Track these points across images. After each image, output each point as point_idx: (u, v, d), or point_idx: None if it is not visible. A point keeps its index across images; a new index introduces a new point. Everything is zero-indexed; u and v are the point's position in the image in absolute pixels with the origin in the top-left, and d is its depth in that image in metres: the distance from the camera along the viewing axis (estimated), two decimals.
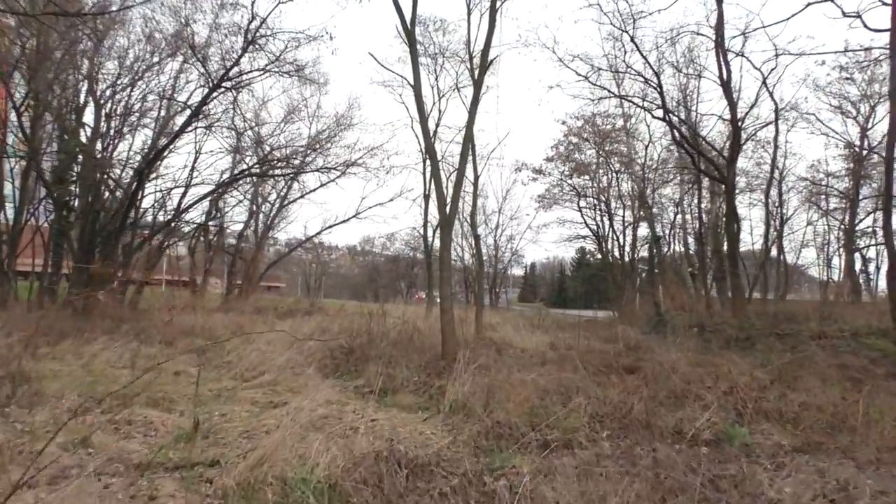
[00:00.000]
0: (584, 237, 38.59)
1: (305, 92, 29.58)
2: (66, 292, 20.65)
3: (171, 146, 22.84)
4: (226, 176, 27.86)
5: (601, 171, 32.18)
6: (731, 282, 21.62)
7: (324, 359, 11.92)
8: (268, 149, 19.59)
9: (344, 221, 33.88)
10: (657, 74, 19.53)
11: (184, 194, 21.84)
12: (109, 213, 21.29)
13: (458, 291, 56.75)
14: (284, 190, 32.36)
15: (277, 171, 21.63)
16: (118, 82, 22.13)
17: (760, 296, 30.01)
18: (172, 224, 26.78)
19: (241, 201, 30.08)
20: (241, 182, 27.59)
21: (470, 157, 17.19)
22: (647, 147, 28.49)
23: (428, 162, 30.59)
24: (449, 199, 12.63)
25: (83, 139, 23.02)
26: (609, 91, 21.53)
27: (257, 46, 17.29)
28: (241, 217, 32.79)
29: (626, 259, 34.23)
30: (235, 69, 16.54)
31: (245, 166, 21.78)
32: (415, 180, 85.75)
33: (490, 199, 51.53)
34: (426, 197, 29.38)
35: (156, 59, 21.04)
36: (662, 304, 24.28)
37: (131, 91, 22.02)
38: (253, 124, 23.86)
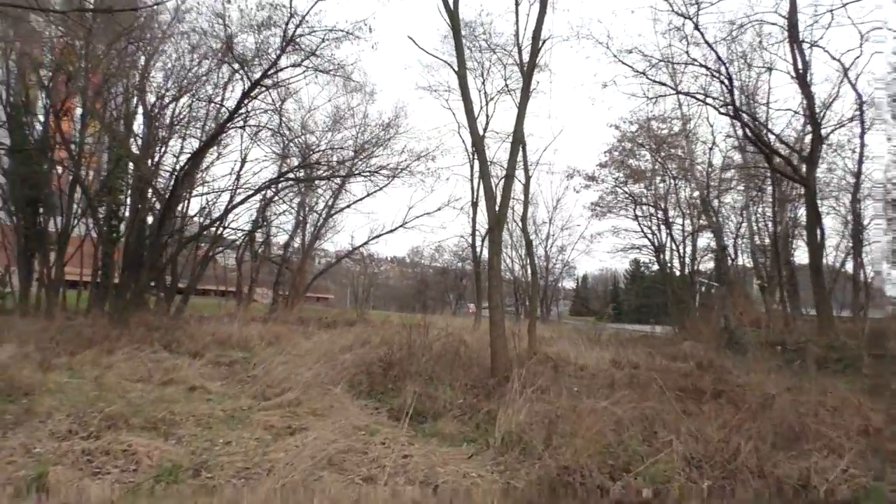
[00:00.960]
0: (640, 248, 36.49)
1: (352, 101, 28.68)
2: (113, 301, 19.91)
3: (211, 150, 22.08)
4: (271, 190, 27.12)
5: (658, 177, 30.22)
6: (816, 296, 19.38)
7: (358, 374, 10.53)
8: (312, 152, 18.44)
9: (391, 231, 32.68)
10: (725, 65, 17.65)
11: (229, 202, 20.97)
12: (154, 223, 20.51)
13: (508, 304, 55.17)
14: (331, 199, 31.43)
15: (322, 175, 20.49)
16: (166, 92, 21.53)
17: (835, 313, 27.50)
18: (217, 231, 26.05)
19: (285, 210, 29.18)
20: (285, 189, 26.72)
21: (520, 158, 15.66)
22: (710, 149, 26.48)
23: (476, 164, 29.18)
24: (499, 198, 11.14)
25: (134, 150, 22.51)
26: (669, 86, 19.71)
27: (296, 46, 16.20)
28: (288, 227, 31.85)
29: (686, 271, 31.97)
30: (273, 68, 15.46)
31: (291, 174, 20.63)
32: (462, 189, 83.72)
33: (540, 207, 49.48)
34: (474, 205, 27.93)
35: (202, 68, 20.39)
36: (732, 320, 22.19)
37: (178, 100, 21.39)
38: (298, 134, 22.85)
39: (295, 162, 19.27)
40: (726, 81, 18.12)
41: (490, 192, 11.19)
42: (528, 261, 15.66)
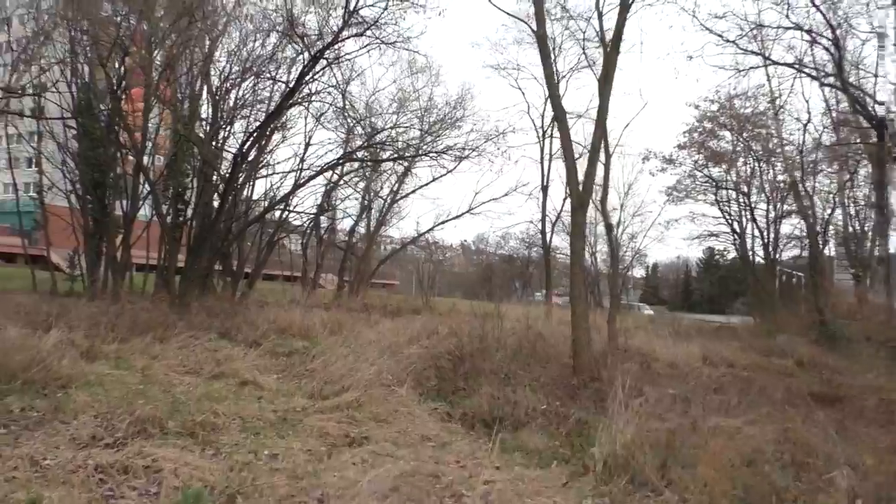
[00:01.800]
0: (717, 235, 34.05)
1: (417, 82, 27.57)
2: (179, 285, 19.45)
3: (275, 134, 21.36)
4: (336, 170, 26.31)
5: (741, 159, 27.92)
6: None
7: (425, 370, 9.39)
8: (377, 133, 17.38)
9: (457, 217, 31.59)
10: (833, 28, 15.51)
11: (294, 185, 20.12)
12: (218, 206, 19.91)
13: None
14: (396, 184, 30.50)
15: (388, 157, 19.46)
16: (230, 75, 20.88)
17: None
18: (282, 215, 25.45)
19: (351, 195, 28.37)
20: (350, 173, 25.87)
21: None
22: (804, 126, 24.07)
23: (546, 145, 27.62)
24: (582, 176, 9.76)
25: (200, 134, 22.04)
26: (764, 56, 17.67)
27: (359, 18, 15.08)
28: (353, 213, 31.09)
29: (770, 259, 29.55)
30: (335, 41, 14.40)
31: (356, 156, 19.62)
32: (530, 174, 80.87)
33: (611, 194, 47.35)
34: (544, 189, 26.47)
35: (265, 48, 19.64)
36: (827, 311, 20.10)
37: (242, 82, 20.73)
38: (363, 115, 21.82)
39: (360, 143, 18.25)
40: (832, 48, 16.05)
41: (573, 169, 9.84)
42: (609, 247, 14.29)
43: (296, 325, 14.38)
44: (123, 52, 16.19)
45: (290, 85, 14.67)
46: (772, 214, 29.31)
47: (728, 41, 17.17)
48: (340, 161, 16.90)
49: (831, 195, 26.55)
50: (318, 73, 15.59)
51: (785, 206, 29.41)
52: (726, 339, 18.98)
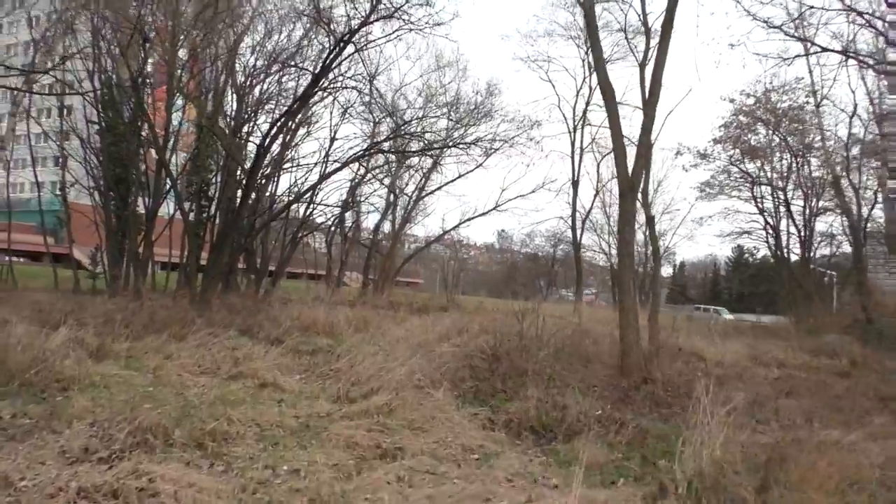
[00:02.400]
0: (749, 232, 32.75)
1: (444, 77, 26.68)
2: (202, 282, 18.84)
3: (300, 128, 20.66)
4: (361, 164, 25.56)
5: (777, 154, 26.67)
6: None
7: (460, 370, 8.52)
8: (404, 123, 16.48)
9: (483, 214, 30.70)
10: (891, 5, 14.30)
11: (319, 180, 19.36)
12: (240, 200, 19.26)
13: (600, 289, 52.03)
14: (422, 181, 29.69)
15: (416, 150, 18.59)
16: (254, 70, 20.24)
17: None
18: (306, 212, 24.79)
19: (375, 191, 27.59)
20: (375, 169, 25.09)
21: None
22: (850, 118, 22.83)
23: (577, 139, 26.57)
24: (632, 160, 8.82)
25: (224, 128, 21.45)
26: (811, 42, 16.51)
27: (387, 2, 14.27)
28: (378, 210, 30.32)
29: (806, 256, 28.20)
30: (363, 25, 13.58)
31: (382, 148, 18.66)
32: (557, 170, 79.08)
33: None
34: (574, 183, 25.45)
35: (291, 40, 18.97)
36: (871, 310, 18.91)
37: (267, 77, 20.07)
38: (389, 109, 20.97)
39: (386, 136, 17.40)
40: (887, 30, 14.81)
41: (622, 151, 8.91)
42: (651, 241, 13.26)
43: (320, 323, 13.61)
44: (144, 39, 15.49)
45: (316, 72, 13.84)
46: (808, 211, 28.04)
47: (774, 27, 16.03)
48: (367, 153, 16.08)
49: (871, 191, 25.22)
50: (344, 59, 14.78)
51: (821, 203, 28.14)
52: (768, 338, 17.89)
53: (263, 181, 23.19)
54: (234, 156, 17.17)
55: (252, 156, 21.02)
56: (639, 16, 13.72)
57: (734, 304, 49.39)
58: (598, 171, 31.05)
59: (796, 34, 16.36)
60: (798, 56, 18.01)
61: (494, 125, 22.94)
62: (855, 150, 24.30)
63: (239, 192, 20.34)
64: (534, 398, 6.46)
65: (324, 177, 17.99)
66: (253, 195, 23.08)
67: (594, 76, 25.52)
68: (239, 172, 20.29)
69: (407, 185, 30.31)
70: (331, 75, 15.05)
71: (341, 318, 14.26)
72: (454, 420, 5.92)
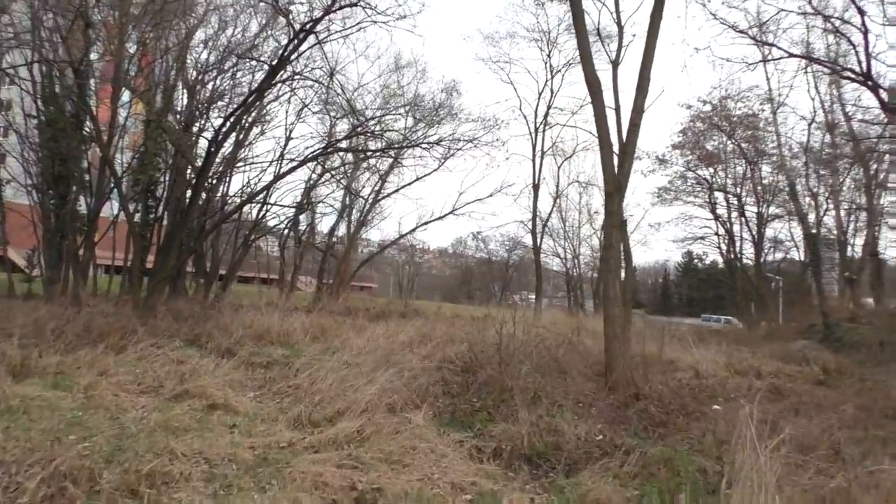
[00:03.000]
0: (702, 238, 32.90)
1: (402, 79, 25.75)
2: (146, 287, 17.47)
3: (251, 120, 19.53)
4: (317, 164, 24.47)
5: (732, 160, 26.72)
6: None
7: (432, 385, 7.71)
8: (363, 121, 15.50)
9: (440, 218, 29.90)
10: (862, 14, 14.03)
11: (273, 180, 18.19)
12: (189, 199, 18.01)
13: (552, 294, 51.77)
14: (379, 184, 28.72)
15: (375, 149, 17.63)
16: (207, 66, 18.99)
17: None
18: (259, 213, 23.58)
19: (331, 193, 26.50)
20: (331, 170, 24.03)
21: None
22: (809, 125, 22.93)
23: (539, 142, 26.02)
24: (616, 149, 8.16)
25: (174, 125, 20.09)
26: (771, 45, 16.24)
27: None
28: (333, 213, 29.17)
29: (759, 261, 28.30)
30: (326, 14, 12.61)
31: (339, 146, 17.52)
32: (515, 174, 77.61)
33: (595, 196, 44.84)
34: (535, 187, 24.89)
35: (247, 32, 17.82)
36: (831, 315, 18.85)
37: (221, 73, 18.84)
38: (346, 109, 19.96)
39: (343, 132, 16.39)
40: (860, 38, 14.57)
41: (608, 149, 8.25)
42: (623, 245, 12.68)
43: (274, 331, 12.58)
44: (86, 23, 14.18)
45: (274, 63, 12.79)
46: (760, 217, 28.22)
47: (740, 31, 15.76)
48: (324, 152, 15.07)
49: (823, 198, 25.49)
50: (303, 52, 13.77)
51: (771, 209, 28.37)
52: (732, 343, 17.60)
53: (215, 181, 21.95)
54: (185, 153, 15.97)
55: (203, 153, 19.85)
56: (612, 13, 13.10)
57: (684, 308, 49.87)
58: (557, 175, 30.76)
59: (759, 38, 16.12)
60: (761, 61, 17.88)
61: (456, 125, 22.24)
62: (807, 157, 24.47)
63: (189, 192, 19.17)
64: (525, 422, 5.68)
65: (278, 177, 16.89)
66: (203, 195, 21.88)
67: (556, 78, 25.15)
68: (189, 171, 19.03)
69: (363, 187, 29.32)
70: (289, 69, 14.04)
71: (297, 326, 13.26)
72: (437, 450, 5.10)
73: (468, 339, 12.40)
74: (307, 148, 22.76)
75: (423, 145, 17.10)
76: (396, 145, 17.10)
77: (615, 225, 7.95)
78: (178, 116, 20.51)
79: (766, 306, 26.66)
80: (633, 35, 16.65)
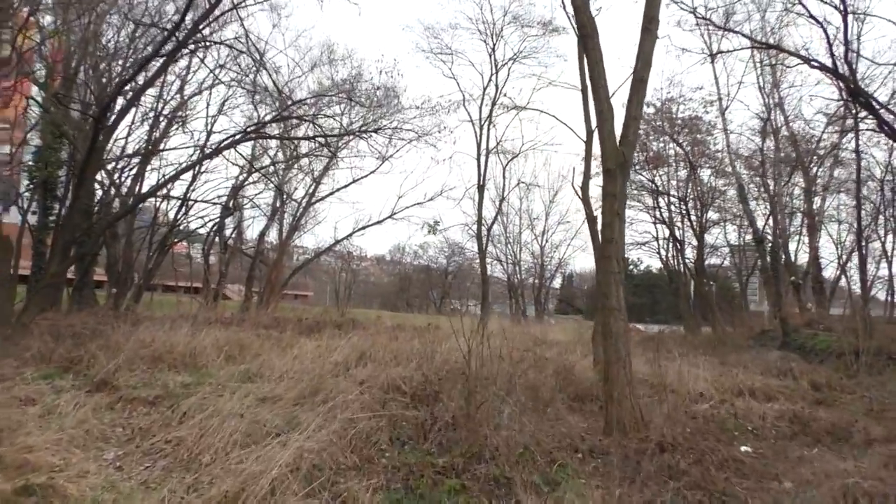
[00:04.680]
0: (643, 244, 31.63)
1: (337, 75, 23.24)
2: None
3: (174, 121, 16.74)
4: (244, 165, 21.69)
5: (677, 163, 25.43)
6: None
7: (375, 432, 5.40)
8: (292, 102, 13.03)
9: (379, 222, 27.44)
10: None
11: (186, 168, 15.34)
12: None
13: (492, 301, 49.95)
14: (312, 186, 26.06)
15: (302, 136, 15.09)
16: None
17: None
18: (178, 213, 20.62)
19: (261, 192, 23.71)
20: (260, 169, 21.33)
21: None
22: (764, 124, 21.72)
23: (484, 141, 23.99)
24: (618, 133, 6.07)
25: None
26: (744, 35, 14.75)
27: None
28: (265, 214, 26.29)
29: (702, 267, 27.07)
30: None
31: (266, 132, 14.66)
32: (457, 177, 74.44)
33: (535, 201, 42.57)
34: (480, 187, 22.81)
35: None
36: (789, 322, 17.49)
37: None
38: (273, 94, 17.33)
39: (271, 121, 13.73)
40: (834, 24, 13.21)
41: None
42: (593, 247, 10.76)
43: (178, 350, 9.94)
44: None
45: (184, 30, 10.11)
46: (701, 221, 27.02)
47: (702, 17, 14.16)
48: (246, 137, 12.52)
49: (771, 200, 24.39)
50: (221, 20, 11.20)
51: (708, 214, 27.22)
52: (691, 352, 15.94)
53: (124, 177, 18.95)
54: (66, 135, 13.10)
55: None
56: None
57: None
58: (504, 176, 28.81)
59: (728, 27, 14.59)
60: (720, 52, 16.43)
61: (397, 111, 19.82)
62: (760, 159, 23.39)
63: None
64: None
65: (192, 166, 14.14)
66: (104, 192, 18.86)
67: (501, 73, 23.21)
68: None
69: (296, 189, 26.59)
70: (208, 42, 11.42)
71: (209, 344, 10.65)
72: None
73: (415, 355, 10.19)
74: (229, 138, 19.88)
75: (362, 135, 14.75)
76: (331, 133, 14.65)
77: (618, 212, 5.85)
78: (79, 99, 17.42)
79: (710, 312, 25.45)
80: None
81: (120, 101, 11.70)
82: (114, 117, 10.89)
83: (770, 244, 22.05)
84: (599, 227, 6.94)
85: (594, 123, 9.48)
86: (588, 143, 11.11)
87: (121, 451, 5.04)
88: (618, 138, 5.98)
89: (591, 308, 56.34)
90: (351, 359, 9.84)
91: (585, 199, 11.05)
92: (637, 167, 25.88)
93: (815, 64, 13.78)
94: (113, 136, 13.51)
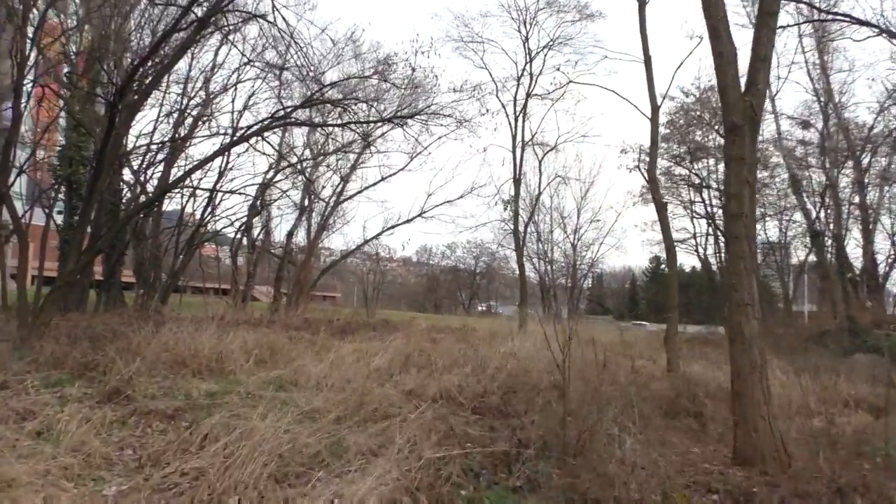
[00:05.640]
0: (681, 242, 30.01)
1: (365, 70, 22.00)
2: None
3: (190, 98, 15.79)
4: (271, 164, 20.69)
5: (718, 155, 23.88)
6: None
7: (444, 465, 4.18)
8: (324, 86, 11.91)
9: (408, 221, 26.30)
10: None
11: (211, 157, 14.31)
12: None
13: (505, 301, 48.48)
14: (340, 185, 25.00)
15: (331, 123, 13.97)
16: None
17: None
18: (206, 211, 19.68)
19: (288, 191, 22.61)
20: (288, 167, 20.31)
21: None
22: (825, 105, 20.15)
23: (520, 132, 22.67)
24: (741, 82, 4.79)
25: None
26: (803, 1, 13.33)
27: None
28: (294, 209, 25.27)
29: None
30: None
31: (295, 117, 13.35)
32: (487, 174, 70.98)
33: (567, 199, 40.18)
34: (517, 181, 21.50)
35: None
36: (858, 320, 15.96)
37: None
38: (302, 77, 16.08)
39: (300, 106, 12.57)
40: None
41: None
42: (664, 234, 9.39)
43: (203, 354, 8.85)
44: None
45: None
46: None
47: None
48: (278, 121, 11.38)
49: (822, 193, 22.77)
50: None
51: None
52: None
53: (145, 176, 18.01)
54: (83, 124, 12.15)
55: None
56: None
57: (651, 314, 47.24)
58: (539, 169, 27.41)
59: None
60: (790, 25, 14.97)
61: (434, 97, 18.51)
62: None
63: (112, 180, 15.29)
64: None
65: (219, 152, 12.99)
66: (126, 186, 17.95)
67: (535, 62, 21.90)
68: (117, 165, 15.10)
69: (323, 188, 25.55)
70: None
71: (236, 346, 9.56)
72: None
73: (466, 360, 9.01)
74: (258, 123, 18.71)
75: (398, 121, 13.59)
76: (365, 119, 13.49)
77: (747, 180, 4.58)
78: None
79: (770, 310, 23.85)
80: None
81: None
82: (134, 100, 9.89)
83: (828, 238, 20.41)
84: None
85: (659, 99, 8.24)
86: (654, 121, 9.77)
87: (124, 486, 3.90)
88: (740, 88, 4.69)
89: (619, 308, 54.91)
90: (394, 364, 8.69)
91: (653, 183, 9.75)
92: (677, 158, 24.44)
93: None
94: (134, 126, 12.50)
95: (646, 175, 10.04)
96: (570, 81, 16.37)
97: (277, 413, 5.16)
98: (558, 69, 21.21)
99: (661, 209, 9.32)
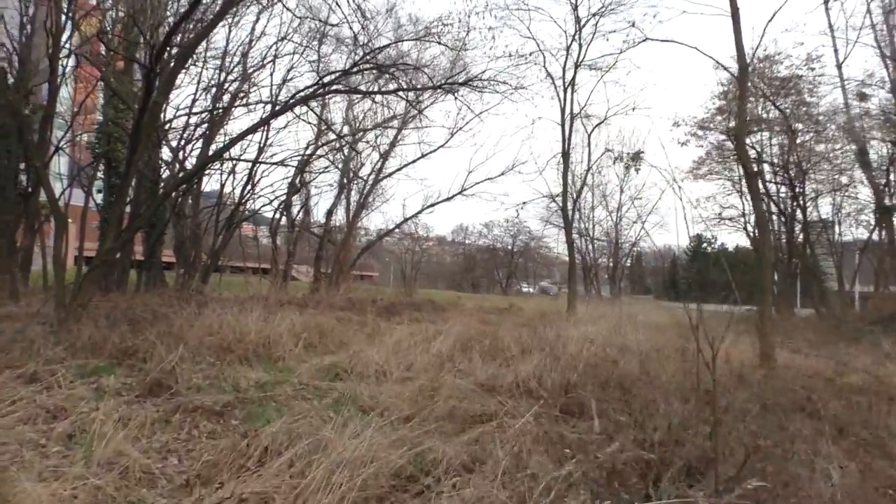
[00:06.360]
0: (729, 220, 28.33)
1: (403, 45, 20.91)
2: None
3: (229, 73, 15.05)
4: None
5: (776, 128, 22.28)
6: None
7: (565, 485, 3.29)
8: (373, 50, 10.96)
9: (448, 199, 25.45)
10: None
11: (252, 129, 13.48)
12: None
13: (560, 282, 47.44)
14: (379, 163, 24.17)
15: (388, 88, 13.01)
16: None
17: None
18: (243, 192, 19.04)
19: (327, 167, 21.85)
20: (327, 144, 19.53)
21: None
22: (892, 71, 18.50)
23: (563, 106, 21.43)
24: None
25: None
26: None
27: None
28: (333, 188, 24.60)
29: (809, 241, 23.77)
30: None
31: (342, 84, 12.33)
32: (528, 150, 68.25)
33: (608, 175, 38.31)
34: (565, 155, 20.29)
35: None
36: None
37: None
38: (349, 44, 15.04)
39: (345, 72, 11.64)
40: None
41: None
42: (755, 206, 8.29)
43: (250, 338, 8.11)
44: None
45: None
46: (804, 190, 23.69)
47: None
48: (323, 87, 10.47)
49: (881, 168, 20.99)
50: None
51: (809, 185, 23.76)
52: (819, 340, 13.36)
53: (184, 153, 17.36)
54: (118, 92, 11.45)
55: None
56: None
57: (692, 293, 45.46)
58: (588, 143, 26.13)
59: None
60: None
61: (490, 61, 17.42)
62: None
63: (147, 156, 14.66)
64: None
65: (261, 123, 12.18)
66: (164, 162, 17.32)
67: (585, 29, 20.48)
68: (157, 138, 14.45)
69: (362, 166, 24.76)
70: None
71: (284, 329, 8.80)
72: None
73: (533, 346, 8.11)
74: (302, 90, 17.78)
75: (451, 86, 12.57)
76: (415, 87, 12.51)
77: None
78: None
79: (817, 293, 22.34)
80: None
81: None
82: (171, 66, 9.13)
83: None
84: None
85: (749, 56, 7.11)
86: (741, 80, 8.60)
87: None
88: None
89: (658, 287, 53.36)
90: (456, 349, 7.83)
91: (741, 148, 8.63)
92: (732, 133, 22.88)
93: None
94: (171, 101, 11.76)
95: (732, 140, 8.88)
96: (646, 38, 15.04)
97: (344, 414, 4.33)
98: (607, 39, 19.85)
99: (752, 178, 8.22)
